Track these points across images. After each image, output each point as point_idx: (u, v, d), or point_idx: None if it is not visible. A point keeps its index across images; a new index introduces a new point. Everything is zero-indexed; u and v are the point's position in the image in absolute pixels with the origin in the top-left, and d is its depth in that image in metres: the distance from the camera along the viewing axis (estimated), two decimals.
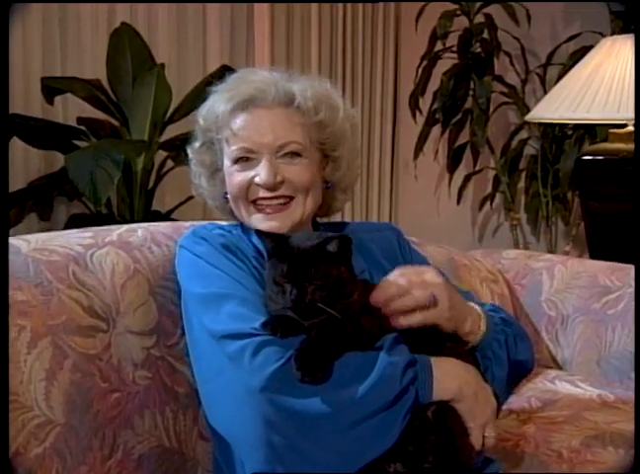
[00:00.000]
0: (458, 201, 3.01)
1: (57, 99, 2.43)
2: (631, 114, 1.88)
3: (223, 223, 1.23)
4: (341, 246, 1.00)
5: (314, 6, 2.76)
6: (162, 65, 2.36)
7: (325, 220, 1.29)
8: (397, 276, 1.04)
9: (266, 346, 0.97)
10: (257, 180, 1.13)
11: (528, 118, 2.19)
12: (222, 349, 1.00)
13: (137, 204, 2.42)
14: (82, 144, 2.37)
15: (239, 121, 1.14)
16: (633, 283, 1.65)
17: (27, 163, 2.48)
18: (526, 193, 2.93)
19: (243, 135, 1.13)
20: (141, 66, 2.34)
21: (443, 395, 0.99)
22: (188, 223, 1.35)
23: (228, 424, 1.02)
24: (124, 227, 1.27)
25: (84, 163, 2.07)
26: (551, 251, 2.85)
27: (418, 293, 1.02)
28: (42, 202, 2.44)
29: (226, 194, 1.19)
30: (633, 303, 1.62)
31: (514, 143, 2.91)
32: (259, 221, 1.14)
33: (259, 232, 1.08)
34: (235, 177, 1.15)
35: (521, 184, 2.94)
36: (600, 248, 2.08)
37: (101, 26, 2.52)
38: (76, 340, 1.08)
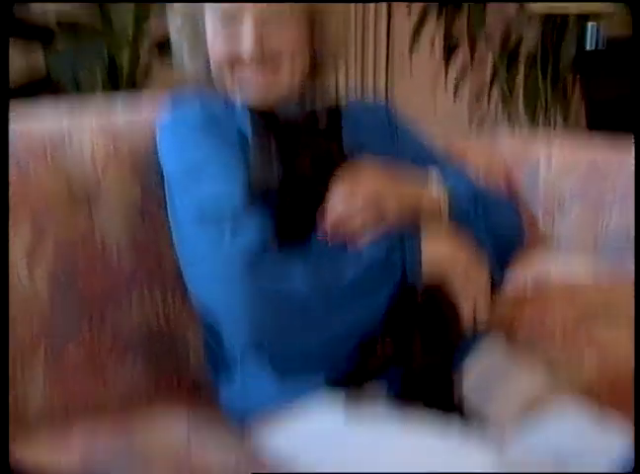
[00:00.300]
0: (455, 96, 2.94)
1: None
2: None
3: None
4: (330, 120, 0.95)
5: None
6: None
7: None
8: (339, 199, 0.98)
9: (245, 226, 0.95)
10: (242, 49, 1.07)
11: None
12: (204, 231, 0.98)
13: None
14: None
15: None
16: (631, 167, 1.62)
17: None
18: (525, 83, 2.84)
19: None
20: None
21: (432, 273, 0.98)
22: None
23: (215, 304, 1.00)
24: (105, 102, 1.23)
25: (66, 62, 2.01)
26: None
27: (364, 215, 0.98)
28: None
29: (209, 64, 1.13)
30: (631, 186, 1.60)
31: (513, 33, 2.81)
32: (246, 91, 1.09)
33: (244, 106, 1.04)
34: (219, 41, 1.09)
35: (520, 75, 2.86)
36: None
37: None
38: (58, 219, 1.06)
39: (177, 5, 1.14)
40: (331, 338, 0.95)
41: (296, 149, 0.94)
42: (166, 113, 1.13)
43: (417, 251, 0.97)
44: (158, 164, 1.13)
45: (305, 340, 0.95)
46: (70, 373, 1.05)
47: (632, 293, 1.43)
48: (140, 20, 2.30)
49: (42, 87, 2.29)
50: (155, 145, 1.14)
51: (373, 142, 1.14)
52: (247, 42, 1.06)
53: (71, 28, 2.34)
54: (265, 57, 1.07)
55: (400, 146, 1.19)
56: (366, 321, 0.95)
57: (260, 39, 1.06)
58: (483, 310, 1.03)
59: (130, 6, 2.26)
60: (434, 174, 1.08)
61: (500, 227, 1.09)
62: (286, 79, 1.09)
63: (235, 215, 0.96)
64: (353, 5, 3.08)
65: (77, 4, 2.31)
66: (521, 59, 2.83)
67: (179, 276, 1.13)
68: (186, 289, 1.13)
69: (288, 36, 1.08)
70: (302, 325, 0.94)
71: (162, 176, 1.12)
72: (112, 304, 1.09)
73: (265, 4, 1.06)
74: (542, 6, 2.05)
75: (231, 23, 1.07)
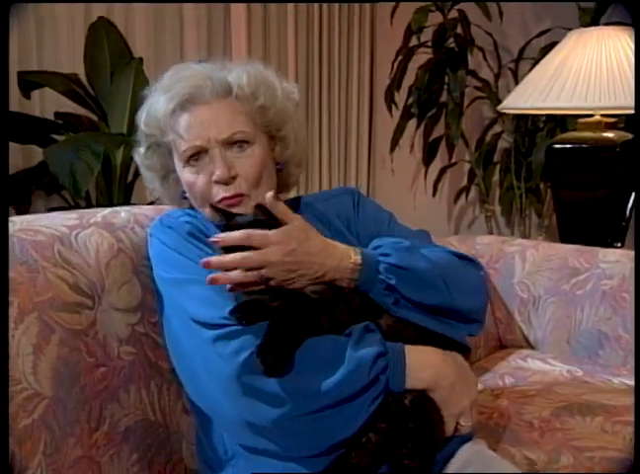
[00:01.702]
0: (434, 194, 3.07)
1: (35, 94, 2.45)
2: (597, 103, 1.95)
3: (188, 209, 1.25)
4: (264, 212, 1.03)
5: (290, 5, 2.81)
6: (140, 59, 2.39)
7: (283, 198, 1.29)
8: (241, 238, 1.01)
9: (235, 336, 1.00)
10: (215, 177, 1.15)
11: (501, 107, 2.25)
12: (195, 332, 1.04)
13: (117, 198, 2.44)
14: (60, 139, 2.39)
15: (182, 122, 1.16)
16: (600, 265, 1.72)
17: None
18: (501, 185, 3.00)
19: (189, 136, 1.15)
20: (119, 60, 2.37)
21: (417, 384, 1.01)
22: (169, 207, 1.39)
23: (207, 402, 1.06)
24: (108, 210, 1.31)
25: (64, 155, 2.09)
26: None
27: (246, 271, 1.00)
28: (21, 197, 2.46)
29: (184, 192, 1.22)
30: (600, 283, 1.70)
31: (488, 137, 2.98)
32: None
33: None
34: (193, 181, 1.17)
35: (496, 176, 3.02)
36: (570, 235, 2.15)
37: (77, 19, 2.54)
38: (62, 316, 1.11)
39: (141, 134, 1.22)
40: (318, 441, 0.98)
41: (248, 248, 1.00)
42: (155, 222, 1.22)
43: (402, 362, 1.00)
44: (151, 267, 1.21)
45: (294, 442, 0.98)
46: (68, 466, 1.08)
47: (604, 390, 1.50)
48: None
49: (38, 176, 2.39)
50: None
51: (342, 230, 1.22)
52: (219, 173, 1.14)
53: (71, 122, 2.46)
54: (232, 186, 1.15)
55: (361, 224, 1.25)
56: (351, 424, 0.97)
57: (228, 169, 1.14)
58: (467, 422, 1.06)
59: (127, 104, 2.39)
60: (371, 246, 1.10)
61: (462, 285, 1.09)
62: (254, 202, 1.13)
63: (224, 326, 1.01)
64: (336, 106, 3.26)
65: (77, 104, 2.44)
66: (497, 161, 2.99)
67: (174, 371, 1.20)
68: (180, 383, 1.20)
69: (253, 162, 1.16)
70: (290, 428, 0.96)
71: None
72: (110, 397, 1.13)
73: (225, 137, 1.15)
74: (515, 108, 2.21)
75: (200, 163, 1.16)
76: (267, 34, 2.85)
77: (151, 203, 2.49)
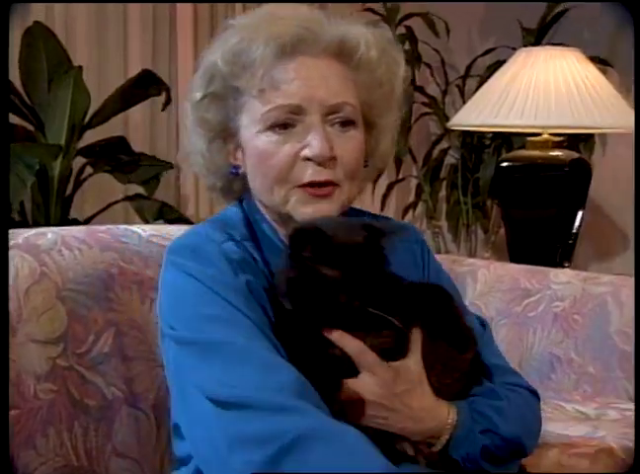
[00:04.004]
0: (382, 210, 2.99)
1: None
2: (547, 121, 1.91)
3: (232, 230, 0.92)
4: (373, 238, 0.82)
5: (238, 8, 2.68)
6: (80, 68, 2.23)
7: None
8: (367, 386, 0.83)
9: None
10: (307, 152, 0.87)
11: (451, 123, 2.20)
12: (217, 416, 0.78)
13: (54, 212, 2.27)
14: None
15: (281, 71, 0.87)
16: (552, 286, 1.65)
17: None
18: (447, 201, 2.95)
19: (289, 89, 0.86)
20: (58, 69, 2.20)
21: None
22: (103, 227, 1.24)
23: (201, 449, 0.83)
24: (33, 231, 1.15)
25: None
26: (471, 258, 2.86)
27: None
28: None
29: (236, 168, 0.93)
30: (552, 305, 1.63)
31: (435, 153, 2.93)
32: (302, 203, 0.89)
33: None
34: (273, 151, 0.87)
35: (443, 192, 2.96)
36: (519, 253, 2.10)
37: (12, 23, 2.36)
38: None
39: (208, 73, 0.92)
40: None
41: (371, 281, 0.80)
42: (178, 246, 0.92)
43: None
44: (91, 285, 1.04)
45: None
46: None
47: (557, 418, 1.42)
48: (75, 129, 2.27)
49: None
50: (85, 269, 1.07)
51: (404, 272, 0.96)
52: (316, 149, 0.86)
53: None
54: (326, 170, 0.87)
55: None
56: None
57: (329, 147, 0.87)
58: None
59: (65, 114, 2.23)
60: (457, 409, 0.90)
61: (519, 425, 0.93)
62: (344, 197, 0.91)
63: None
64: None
65: (12, 113, 2.26)
66: (444, 177, 2.93)
67: (104, 406, 1.05)
68: (111, 422, 1.05)
69: (355, 147, 0.90)
70: None
71: (95, 298, 1.04)
72: (24, 444, 0.98)
73: (333, 103, 0.88)
74: (466, 125, 2.14)
75: (286, 132, 0.88)
76: (214, 34, 2.69)
77: (91, 218, 2.36)
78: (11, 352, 0.99)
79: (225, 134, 0.93)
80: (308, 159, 0.87)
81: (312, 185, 0.88)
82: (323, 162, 0.87)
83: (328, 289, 0.80)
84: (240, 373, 0.78)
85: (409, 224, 1.23)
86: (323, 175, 0.87)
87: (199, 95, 0.92)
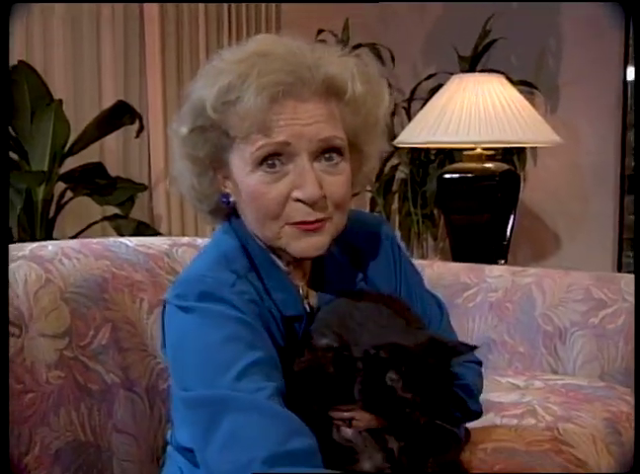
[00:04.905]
0: None
1: None
2: (478, 137, 2.11)
3: (234, 264, 0.92)
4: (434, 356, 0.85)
5: (202, 43, 2.81)
6: (60, 101, 2.37)
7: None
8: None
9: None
10: (298, 195, 0.87)
11: (397, 141, 2.38)
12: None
13: (39, 233, 2.39)
14: None
15: (273, 116, 0.86)
16: (487, 280, 1.83)
17: None
18: (400, 212, 3.12)
19: (278, 131, 0.86)
20: (39, 102, 2.33)
21: None
22: (95, 239, 1.40)
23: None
24: (35, 244, 1.30)
25: None
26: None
27: None
28: None
29: (226, 197, 0.93)
30: (487, 296, 1.81)
31: (386, 169, 3.10)
32: (294, 239, 0.89)
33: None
34: (264, 192, 0.87)
35: (395, 204, 3.13)
36: (461, 253, 2.28)
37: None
38: None
39: (195, 110, 0.90)
40: None
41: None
42: (185, 285, 0.92)
43: None
44: (90, 289, 1.19)
45: None
46: None
47: (493, 389, 1.59)
48: (57, 157, 2.39)
49: None
50: (83, 275, 1.22)
51: (379, 274, 1.02)
52: (309, 191, 0.86)
53: None
54: (317, 208, 0.88)
55: (401, 281, 1.05)
56: None
57: (319, 187, 0.87)
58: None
59: (47, 144, 2.36)
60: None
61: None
62: (334, 229, 0.91)
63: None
64: None
65: None
66: (395, 190, 3.12)
67: (104, 390, 1.19)
68: (111, 403, 1.19)
69: (343, 181, 0.90)
70: None
71: (94, 301, 1.17)
72: (40, 422, 1.11)
73: (322, 137, 0.87)
74: (410, 142, 2.34)
75: (275, 170, 0.87)
76: (180, 65, 2.78)
77: (73, 238, 2.47)
78: (25, 345, 1.14)
79: (215, 165, 0.93)
80: (301, 200, 0.87)
81: (303, 224, 0.89)
82: (313, 203, 0.88)
83: (404, 409, 0.83)
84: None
85: (380, 218, 1.25)
86: (313, 215, 0.88)
87: (185, 130, 0.91)
